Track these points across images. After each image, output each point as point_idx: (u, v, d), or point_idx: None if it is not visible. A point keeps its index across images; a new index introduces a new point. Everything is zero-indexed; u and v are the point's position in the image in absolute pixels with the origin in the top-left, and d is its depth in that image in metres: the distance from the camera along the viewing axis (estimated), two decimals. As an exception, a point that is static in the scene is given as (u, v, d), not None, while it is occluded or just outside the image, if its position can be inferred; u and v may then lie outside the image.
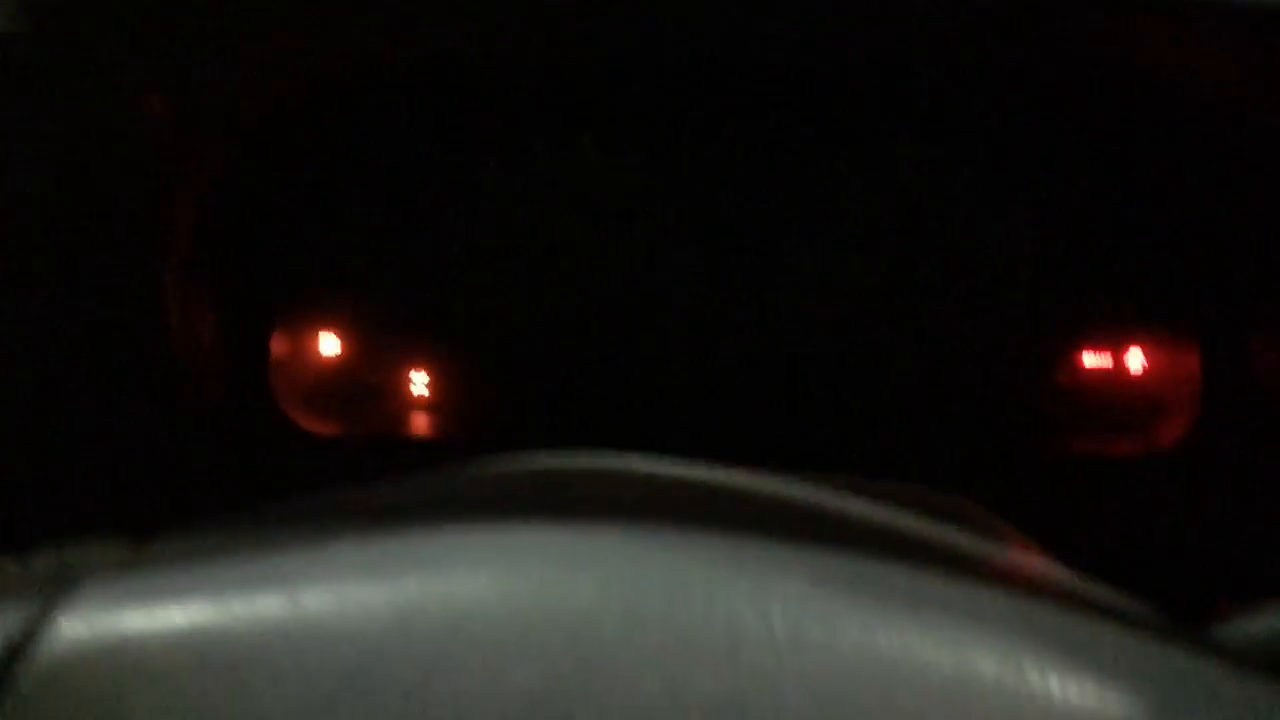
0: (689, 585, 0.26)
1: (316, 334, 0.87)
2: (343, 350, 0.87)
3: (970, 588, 0.29)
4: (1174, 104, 0.76)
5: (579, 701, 0.24)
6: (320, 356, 0.87)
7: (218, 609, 0.25)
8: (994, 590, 0.29)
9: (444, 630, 0.24)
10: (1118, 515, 0.77)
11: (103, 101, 0.58)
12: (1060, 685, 0.26)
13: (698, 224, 0.87)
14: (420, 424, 0.87)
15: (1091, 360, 0.85)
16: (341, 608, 0.25)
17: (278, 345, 0.84)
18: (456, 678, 0.24)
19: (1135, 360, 0.85)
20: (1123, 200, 0.85)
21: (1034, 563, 0.42)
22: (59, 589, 0.25)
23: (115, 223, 0.65)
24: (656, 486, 0.33)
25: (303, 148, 0.84)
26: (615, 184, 0.87)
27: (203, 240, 0.74)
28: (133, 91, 0.59)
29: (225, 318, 0.78)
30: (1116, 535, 0.75)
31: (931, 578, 0.29)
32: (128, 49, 0.47)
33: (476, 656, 0.24)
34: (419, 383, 0.88)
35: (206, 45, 0.62)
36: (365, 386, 0.87)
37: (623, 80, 0.84)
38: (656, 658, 0.24)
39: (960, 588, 0.29)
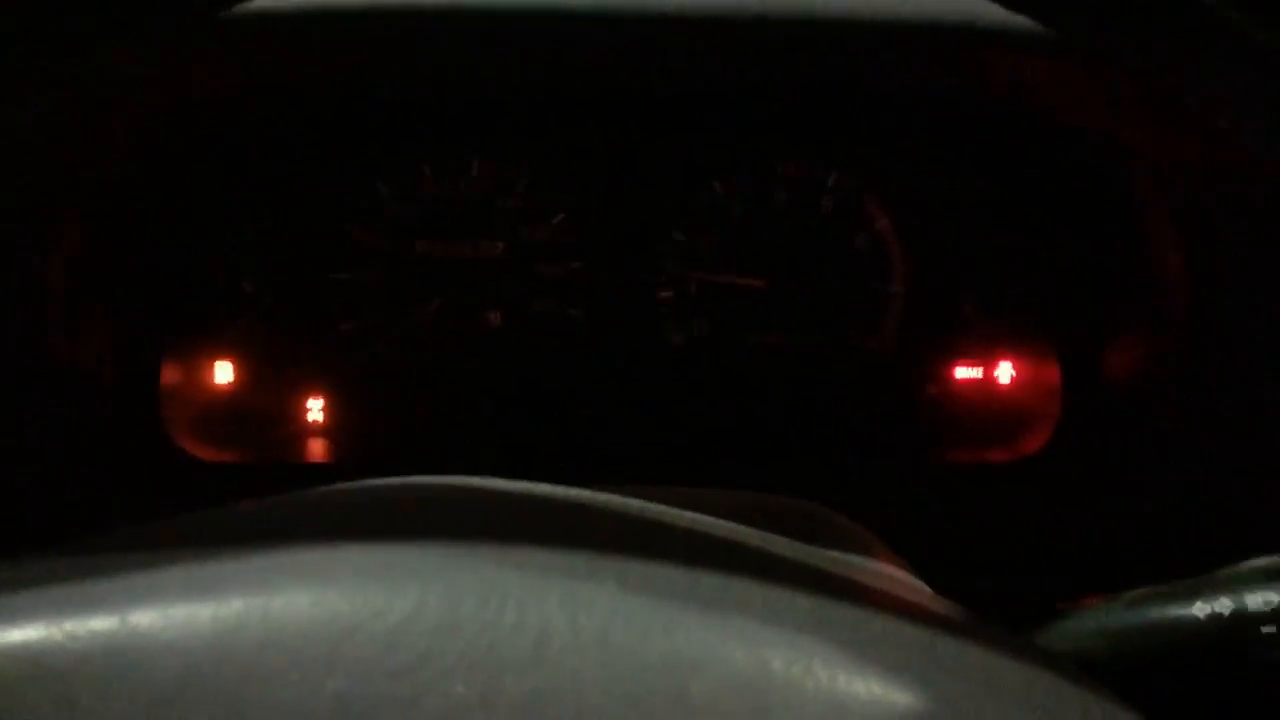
0: (502, 595, 0.28)
1: (210, 362, 0.87)
2: (236, 378, 0.88)
3: (773, 591, 0.31)
4: (1039, 138, 0.81)
5: (390, 706, 0.25)
6: (214, 384, 0.87)
7: (51, 628, 0.27)
8: (802, 594, 0.31)
9: (263, 643, 0.26)
10: (987, 518, 0.80)
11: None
12: (847, 681, 0.28)
13: (583, 242, 0.90)
14: (315, 449, 0.87)
15: (962, 373, 0.90)
16: (168, 625, 0.26)
17: (169, 374, 0.84)
18: (274, 687, 0.25)
19: (1002, 373, 0.89)
20: (990, 221, 0.89)
21: (863, 565, 0.45)
22: None
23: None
24: (493, 504, 0.34)
25: (192, 173, 0.84)
26: (502, 205, 0.89)
27: (89, 264, 0.74)
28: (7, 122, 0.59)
29: (113, 343, 0.78)
30: (984, 537, 0.79)
31: (737, 582, 0.31)
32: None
33: (293, 667, 0.25)
34: (314, 408, 0.88)
35: (81, 77, 0.62)
36: (259, 413, 0.88)
37: (508, 106, 0.86)
38: (466, 663, 0.26)
39: (763, 591, 0.31)
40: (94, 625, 0.27)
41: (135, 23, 0.34)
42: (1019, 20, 0.63)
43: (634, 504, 0.37)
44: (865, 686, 0.28)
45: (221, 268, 0.87)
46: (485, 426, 0.90)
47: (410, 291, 0.89)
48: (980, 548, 0.79)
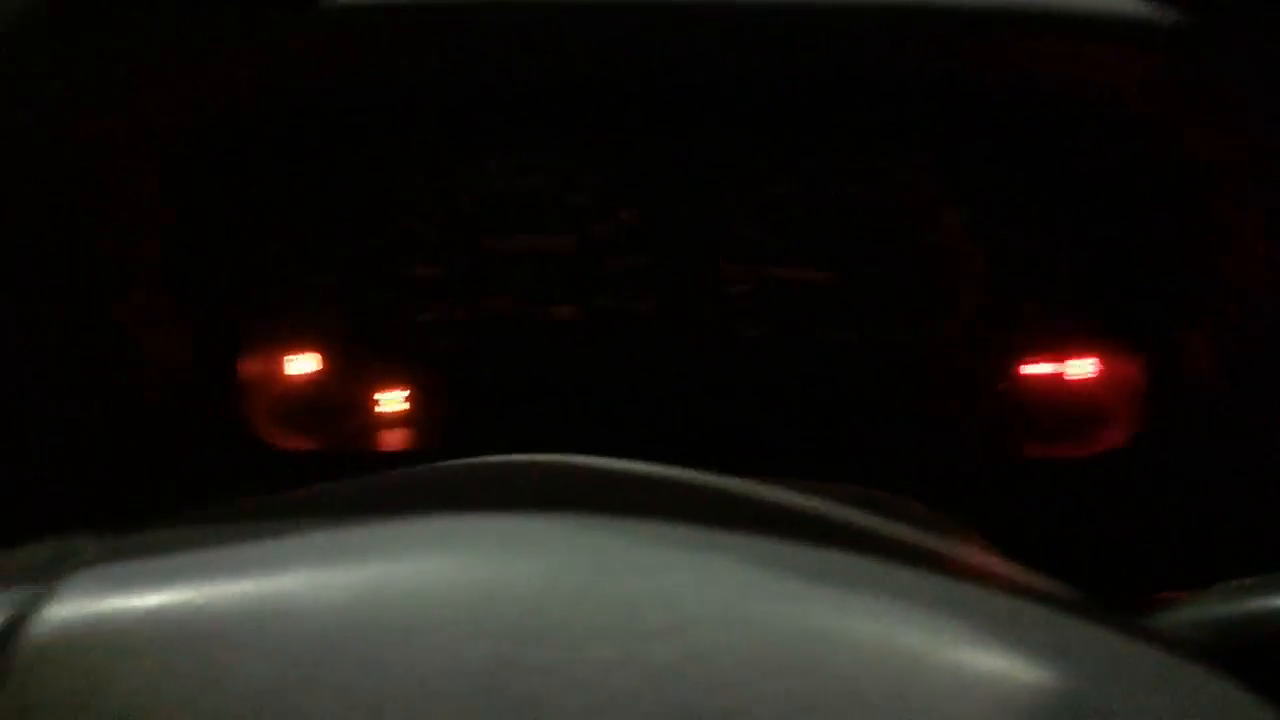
0: (635, 564, 0.28)
1: (287, 354, 0.89)
2: (311, 368, 0.89)
3: (901, 570, 0.31)
4: (1117, 129, 0.79)
5: (532, 671, 0.26)
6: (290, 375, 0.89)
7: (194, 592, 0.27)
8: (924, 573, 0.31)
9: (405, 608, 0.26)
10: (1066, 515, 0.79)
11: (56, 124, 0.60)
12: (977, 657, 0.28)
13: (651, 237, 0.90)
14: (390, 439, 0.88)
15: (1040, 368, 0.88)
16: (309, 589, 0.27)
17: (248, 365, 0.85)
18: (416, 652, 0.26)
19: (1082, 368, 0.88)
20: (1068, 215, 0.88)
21: (973, 553, 0.45)
22: (51, 576, 0.27)
23: (77, 244, 0.67)
24: (610, 482, 0.35)
25: (268, 169, 0.86)
26: (572, 200, 0.90)
27: (170, 260, 0.75)
28: (84, 113, 0.60)
29: (194, 338, 0.79)
30: (1065, 533, 0.78)
31: (865, 561, 0.31)
32: (78, 72, 0.48)
33: (435, 632, 0.26)
34: (388, 399, 0.89)
35: (158, 68, 0.63)
36: (335, 403, 0.89)
37: (579, 101, 0.86)
38: (605, 630, 0.26)
39: (892, 570, 0.31)
40: (234, 590, 0.27)
41: (240, 21, 0.35)
42: (1109, 11, 0.62)
43: (739, 484, 0.37)
44: (993, 662, 0.28)
45: (297, 262, 0.89)
46: (556, 418, 0.90)
47: (481, 285, 0.90)
48: (1059, 545, 0.78)
